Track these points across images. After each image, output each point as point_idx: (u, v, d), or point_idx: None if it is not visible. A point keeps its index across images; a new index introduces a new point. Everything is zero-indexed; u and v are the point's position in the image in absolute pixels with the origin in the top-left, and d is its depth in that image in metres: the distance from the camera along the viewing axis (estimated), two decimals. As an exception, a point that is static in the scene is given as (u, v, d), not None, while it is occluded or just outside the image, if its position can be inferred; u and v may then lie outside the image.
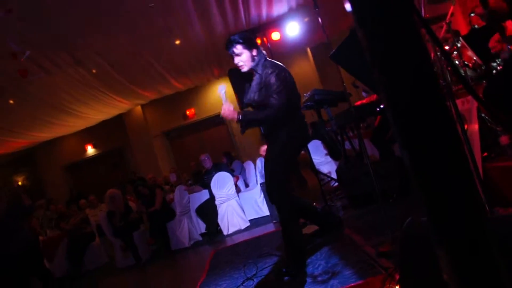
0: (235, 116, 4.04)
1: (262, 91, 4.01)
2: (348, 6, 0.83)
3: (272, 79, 3.92)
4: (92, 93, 10.41)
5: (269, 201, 4.22)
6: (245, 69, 4.14)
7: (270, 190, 4.11)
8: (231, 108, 4.07)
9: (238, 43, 4.08)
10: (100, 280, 7.79)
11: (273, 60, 4.15)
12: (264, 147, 4.52)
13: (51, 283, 5.76)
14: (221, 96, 4.14)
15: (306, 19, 9.91)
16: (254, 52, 4.10)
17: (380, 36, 0.76)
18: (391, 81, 0.77)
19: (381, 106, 5.53)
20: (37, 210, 10.60)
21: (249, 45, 4.08)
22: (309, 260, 4.23)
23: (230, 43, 4.11)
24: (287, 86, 3.94)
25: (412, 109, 0.76)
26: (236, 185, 8.24)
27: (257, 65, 4.10)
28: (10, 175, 15.95)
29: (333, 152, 8.08)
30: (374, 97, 5.94)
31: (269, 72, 3.96)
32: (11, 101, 9.08)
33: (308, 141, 4.65)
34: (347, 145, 6.85)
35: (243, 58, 4.10)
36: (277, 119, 3.99)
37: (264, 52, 4.21)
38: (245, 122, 4.06)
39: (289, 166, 4.24)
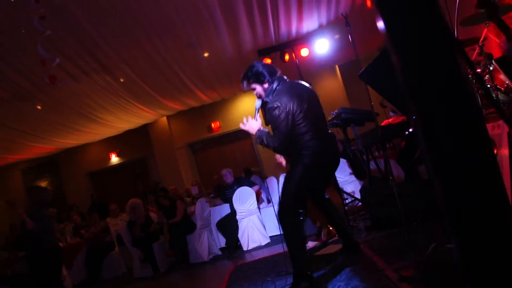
0: (254, 131, 4.25)
1: (270, 123, 4.19)
2: (381, 25, 0.83)
3: (274, 113, 4.07)
4: (118, 102, 10.56)
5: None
6: (265, 98, 4.33)
7: (279, 210, 4.18)
8: (258, 123, 4.25)
9: (247, 81, 4.34)
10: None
11: (285, 84, 4.25)
12: (279, 157, 4.61)
13: None
14: (255, 108, 4.30)
15: (336, 36, 9.94)
16: (266, 85, 4.28)
17: (414, 59, 0.77)
18: (424, 107, 0.77)
19: (410, 130, 5.50)
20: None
21: (258, 80, 4.29)
22: (329, 281, 4.21)
23: (242, 81, 4.39)
24: (288, 117, 4.04)
25: (446, 137, 0.76)
26: (258, 197, 8.26)
27: (268, 95, 4.27)
28: (33, 180, 16.19)
29: (357, 171, 8.04)
30: (402, 118, 5.91)
31: (272, 105, 4.09)
32: (39, 107, 9.27)
33: (334, 167, 4.54)
34: (372, 165, 6.81)
35: (258, 91, 4.34)
36: (281, 152, 4.24)
37: (278, 75, 4.33)
38: (258, 141, 4.24)
39: (304, 191, 4.28)
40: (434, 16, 0.80)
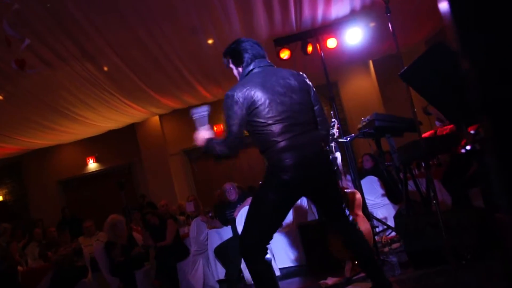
0: (202, 144, 4.16)
1: None
2: (444, 5, 0.79)
3: (224, 103, 3.99)
4: (101, 96, 10.59)
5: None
6: None
7: (240, 246, 4.05)
8: (208, 132, 4.17)
9: (225, 56, 4.28)
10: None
11: (260, 71, 4.10)
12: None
13: None
14: (195, 118, 4.28)
15: (372, 24, 9.91)
16: (240, 69, 4.17)
17: (495, 59, 0.73)
18: (504, 125, 0.73)
19: (468, 148, 5.44)
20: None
21: (234, 60, 4.21)
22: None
23: (223, 55, 4.31)
24: (242, 111, 3.90)
25: None
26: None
27: (240, 80, 4.17)
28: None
29: (392, 193, 8.00)
30: (450, 128, 5.86)
31: (227, 93, 4.00)
32: (0, 97, 9.28)
33: (314, 181, 4.05)
34: (411, 186, 6.76)
35: (235, 73, 4.27)
36: (230, 154, 4.08)
37: (260, 59, 4.17)
38: (206, 153, 4.16)
39: (269, 223, 4.07)
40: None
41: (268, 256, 4.03)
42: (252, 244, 3.95)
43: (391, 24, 4.73)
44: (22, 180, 16.29)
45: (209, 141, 4.08)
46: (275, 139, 3.84)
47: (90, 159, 16.05)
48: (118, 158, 15.87)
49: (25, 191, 16.28)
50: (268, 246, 4.07)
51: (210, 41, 9.20)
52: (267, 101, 3.85)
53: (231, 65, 4.23)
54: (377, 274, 4.41)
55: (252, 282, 7.69)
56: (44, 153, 15.30)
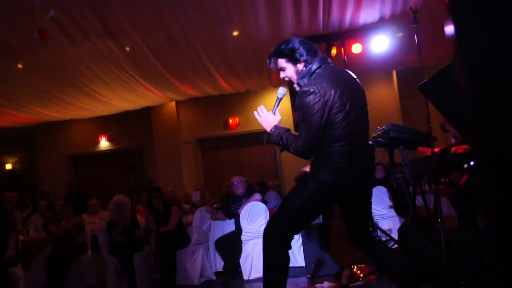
0: (268, 128, 4.01)
1: (298, 112, 3.90)
2: (449, 29, 0.82)
3: (307, 99, 3.76)
4: (119, 75, 10.63)
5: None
6: (296, 87, 4.06)
7: (265, 233, 3.96)
8: (275, 118, 4.04)
9: (279, 56, 4.06)
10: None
11: (328, 68, 3.97)
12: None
13: None
14: (277, 98, 4.12)
15: (399, 34, 9.88)
16: (301, 66, 4.01)
17: (488, 78, 0.75)
18: (491, 139, 0.76)
19: (471, 163, 5.44)
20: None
21: (291, 58, 4.02)
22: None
23: (270, 57, 4.11)
24: (325, 110, 3.73)
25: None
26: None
27: (303, 77, 3.99)
28: (1, 155, 16.37)
29: (399, 205, 7.98)
30: (464, 147, 5.85)
31: (308, 89, 3.79)
32: (20, 65, 9.34)
33: (356, 190, 4.02)
34: (419, 201, 6.75)
35: (289, 73, 4.07)
36: (304, 155, 3.87)
37: (321, 56, 4.06)
38: (274, 140, 3.99)
39: (307, 216, 4.03)
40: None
41: (288, 252, 3.94)
42: (277, 229, 3.90)
43: (417, 35, 4.73)
44: (33, 151, 16.39)
45: (282, 133, 3.94)
46: (341, 140, 3.78)
47: (102, 137, 16.09)
48: (130, 139, 15.92)
49: (34, 162, 16.38)
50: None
51: (235, 33, 9.21)
52: (346, 103, 3.78)
53: (285, 64, 4.05)
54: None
55: (247, 278, 7.78)
56: (57, 126, 15.39)
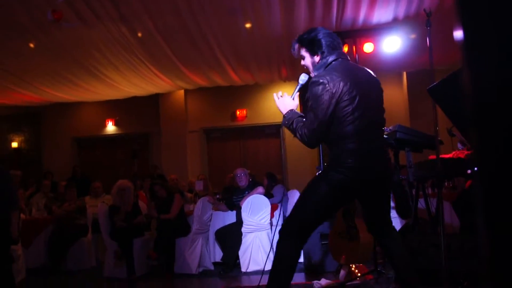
0: (284, 111, 4.05)
1: (307, 102, 3.92)
2: (459, 34, 0.82)
3: (315, 89, 3.78)
4: (131, 61, 10.65)
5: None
6: (313, 72, 4.09)
7: (282, 230, 4.03)
8: (293, 103, 4.07)
9: (300, 44, 4.12)
10: (77, 285, 7.89)
11: (343, 63, 4.00)
12: None
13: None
14: (298, 84, 4.17)
15: (412, 36, 9.84)
16: (317, 58, 4.03)
17: (492, 82, 0.75)
18: (491, 139, 0.76)
19: (475, 169, 5.42)
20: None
21: (310, 48, 4.05)
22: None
23: (293, 43, 4.18)
24: (331, 101, 3.74)
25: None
26: (272, 215, 8.23)
27: (318, 68, 4.01)
28: (7, 132, 16.41)
29: (401, 207, 7.97)
30: (466, 152, 5.85)
31: (317, 79, 3.81)
32: (31, 45, 9.37)
33: (369, 186, 4.00)
34: (422, 204, 6.75)
35: (306, 62, 4.11)
36: (309, 144, 3.89)
37: (340, 51, 4.08)
38: (286, 123, 4.02)
39: (320, 216, 4.05)
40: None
41: (301, 248, 4.02)
42: (293, 231, 3.94)
43: (429, 38, 4.72)
44: (39, 131, 16.41)
45: (298, 117, 3.97)
46: (349, 137, 3.77)
47: (109, 122, 16.10)
48: (137, 125, 15.94)
49: (40, 142, 16.41)
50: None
51: (247, 25, 9.20)
52: (355, 97, 3.77)
53: (304, 53, 4.09)
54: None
55: (245, 270, 7.80)
56: (65, 108, 15.43)
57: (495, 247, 0.77)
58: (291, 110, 4.02)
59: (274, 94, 4.14)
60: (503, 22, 0.78)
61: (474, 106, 0.79)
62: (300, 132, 3.83)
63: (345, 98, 3.73)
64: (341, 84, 3.73)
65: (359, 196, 4.17)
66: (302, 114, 4.01)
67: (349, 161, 3.74)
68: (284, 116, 4.03)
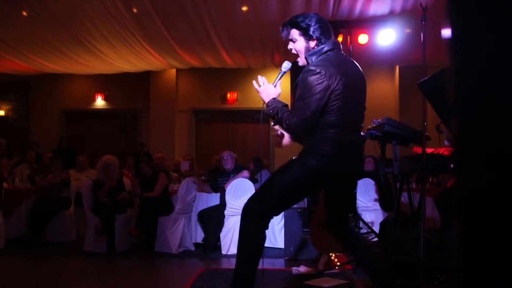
0: (267, 99, 3.94)
1: (298, 89, 3.86)
2: (446, 32, 0.83)
3: (311, 78, 3.71)
4: (124, 35, 10.61)
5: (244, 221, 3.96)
6: (300, 62, 4.03)
7: (244, 211, 3.94)
8: (275, 91, 3.98)
9: (294, 26, 3.97)
10: (56, 258, 7.88)
11: (338, 54, 3.96)
12: (278, 130, 4.29)
13: None
14: (280, 72, 4.07)
15: (408, 30, 9.86)
16: (313, 44, 3.94)
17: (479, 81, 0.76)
18: (470, 130, 0.77)
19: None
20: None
21: (305, 33, 3.94)
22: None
23: (284, 25, 4.02)
24: (325, 93, 3.70)
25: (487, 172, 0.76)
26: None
27: (312, 54, 3.93)
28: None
29: (385, 200, 8.02)
30: (450, 149, 5.89)
31: (314, 68, 3.73)
32: (24, 13, 9.30)
33: (341, 179, 4.01)
34: (405, 198, 6.79)
35: (298, 46, 3.99)
36: (296, 133, 3.87)
37: (334, 40, 4.03)
38: (269, 112, 3.93)
39: (289, 200, 4.09)
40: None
41: (265, 231, 3.96)
42: (257, 209, 3.87)
43: (423, 32, 4.73)
44: (28, 100, 16.28)
45: (279, 107, 3.89)
46: (331, 127, 3.76)
47: (98, 96, 16.02)
48: (126, 101, 15.89)
49: (28, 112, 16.28)
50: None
51: (244, 8, 9.18)
52: (344, 92, 3.75)
53: (298, 37, 3.97)
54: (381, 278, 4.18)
55: (225, 253, 7.83)
56: (55, 79, 15.33)
57: (468, 242, 0.79)
58: (274, 99, 3.94)
59: (254, 82, 4.03)
60: (487, 21, 0.80)
61: (456, 101, 0.81)
62: (288, 122, 3.77)
63: (337, 92, 3.72)
64: (337, 78, 3.71)
65: (328, 186, 4.15)
66: (285, 103, 3.94)
67: (327, 149, 3.74)
68: (267, 105, 3.93)
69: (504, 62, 0.80)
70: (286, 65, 4.11)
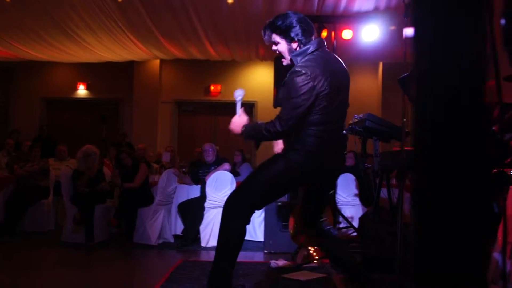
0: (240, 130, 3.98)
1: (284, 89, 3.89)
2: (409, 31, 0.87)
3: (297, 79, 3.75)
4: (107, 24, 10.56)
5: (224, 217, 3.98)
6: (284, 62, 4.07)
7: (226, 205, 3.97)
8: (243, 119, 4.03)
9: (273, 31, 4.00)
10: (33, 248, 7.85)
11: (323, 54, 3.99)
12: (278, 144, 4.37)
13: None
14: (236, 101, 4.12)
15: (392, 27, 9.91)
16: (294, 46, 3.97)
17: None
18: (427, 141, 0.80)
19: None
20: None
21: (286, 35, 3.96)
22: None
23: (265, 29, 4.05)
24: (311, 94, 3.74)
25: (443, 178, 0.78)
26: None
27: (298, 55, 3.96)
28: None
29: (364, 195, 8.09)
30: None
31: (300, 70, 3.77)
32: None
33: (321, 176, 4.07)
34: (384, 193, 6.86)
35: (281, 49, 4.03)
36: (282, 136, 3.93)
37: (317, 38, 4.05)
38: (248, 138, 4.02)
39: (271, 195, 4.12)
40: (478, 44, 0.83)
41: (246, 226, 3.98)
42: (240, 203, 3.93)
43: (406, 28, 4.78)
44: (8, 88, 16.09)
45: (253, 125, 3.97)
46: (315, 125, 3.80)
47: (81, 85, 15.89)
48: (109, 91, 15.81)
49: (8, 99, 16.11)
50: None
51: (229, 0, 9.18)
52: (330, 91, 3.79)
53: (280, 40, 3.99)
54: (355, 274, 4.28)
55: (205, 245, 7.86)
56: (36, 67, 15.18)
57: (421, 237, 0.82)
58: (245, 125, 3.99)
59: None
60: (450, 21, 0.83)
61: (416, 100, 0.85)
62: (269, 129, 3.80)
63: (322, 93, 3.76)
64: (322, 79, 3.75)
65: (308, 183, 4.18)
66: (256, 122, 4.02)
67: (310, 145, 3.80)
68: (242, 134, 3.96)
69: (465, 62, 0.84)
70: (239, 93, 4.18)
